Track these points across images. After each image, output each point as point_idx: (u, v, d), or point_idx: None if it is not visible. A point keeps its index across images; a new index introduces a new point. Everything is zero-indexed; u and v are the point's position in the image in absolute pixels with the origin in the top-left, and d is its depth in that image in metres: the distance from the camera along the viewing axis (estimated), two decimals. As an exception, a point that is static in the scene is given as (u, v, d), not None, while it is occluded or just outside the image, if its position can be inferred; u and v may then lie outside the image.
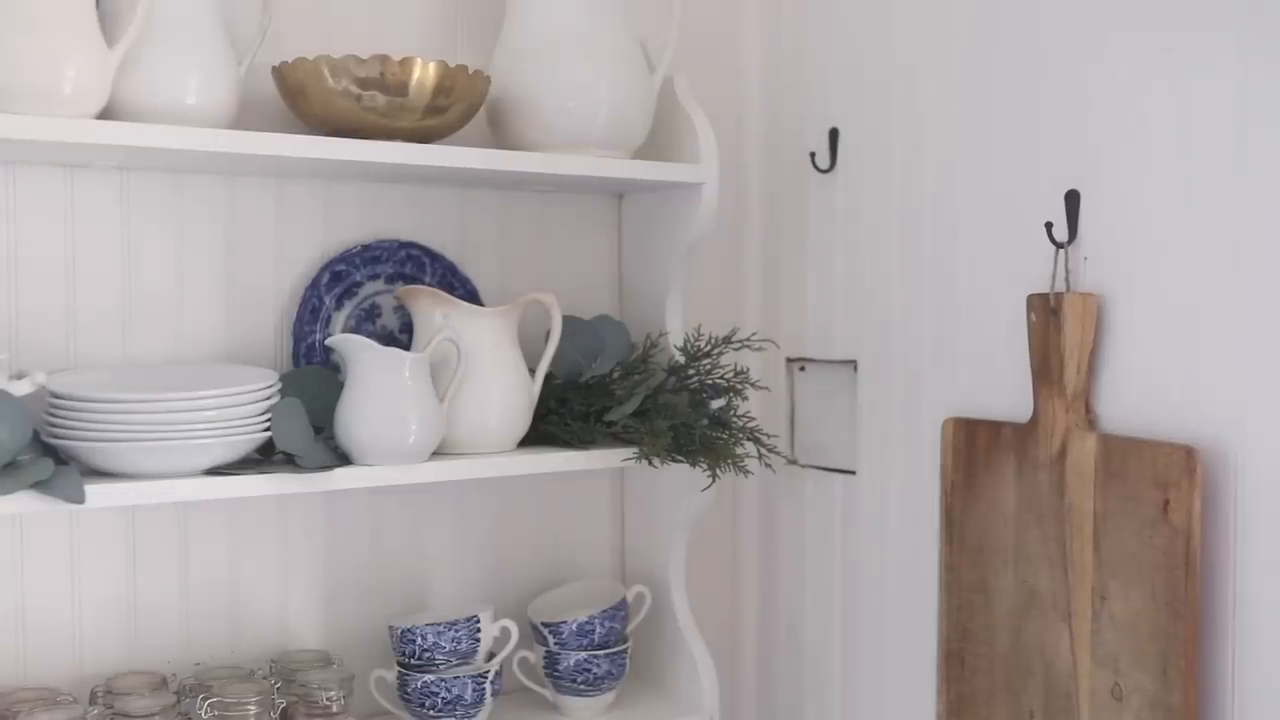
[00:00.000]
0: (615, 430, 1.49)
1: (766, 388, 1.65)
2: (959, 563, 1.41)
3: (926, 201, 1.50)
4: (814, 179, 1.66)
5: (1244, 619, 1.16)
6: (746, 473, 1.50)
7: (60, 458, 1.23)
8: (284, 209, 1.49)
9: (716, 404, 1.51)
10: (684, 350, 1.54)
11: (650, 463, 1.46)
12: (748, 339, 1.55)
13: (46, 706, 1.28)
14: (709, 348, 1.52)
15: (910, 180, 1.52)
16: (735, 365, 1.54)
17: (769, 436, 1.54)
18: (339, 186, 1.52)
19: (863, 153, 1.60)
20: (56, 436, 1.23)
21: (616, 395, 1.51)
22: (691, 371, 1.52)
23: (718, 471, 1.48)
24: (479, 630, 1.48)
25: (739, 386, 1.52)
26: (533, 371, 1.48)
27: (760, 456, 1.52)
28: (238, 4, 1.38)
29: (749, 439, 1.51)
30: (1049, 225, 1.31)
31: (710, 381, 1.51)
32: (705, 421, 1.48)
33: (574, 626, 1.53)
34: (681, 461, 1.48)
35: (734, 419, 1.51)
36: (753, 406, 1.61)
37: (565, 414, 1.49)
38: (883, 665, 1.57)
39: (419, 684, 1.44)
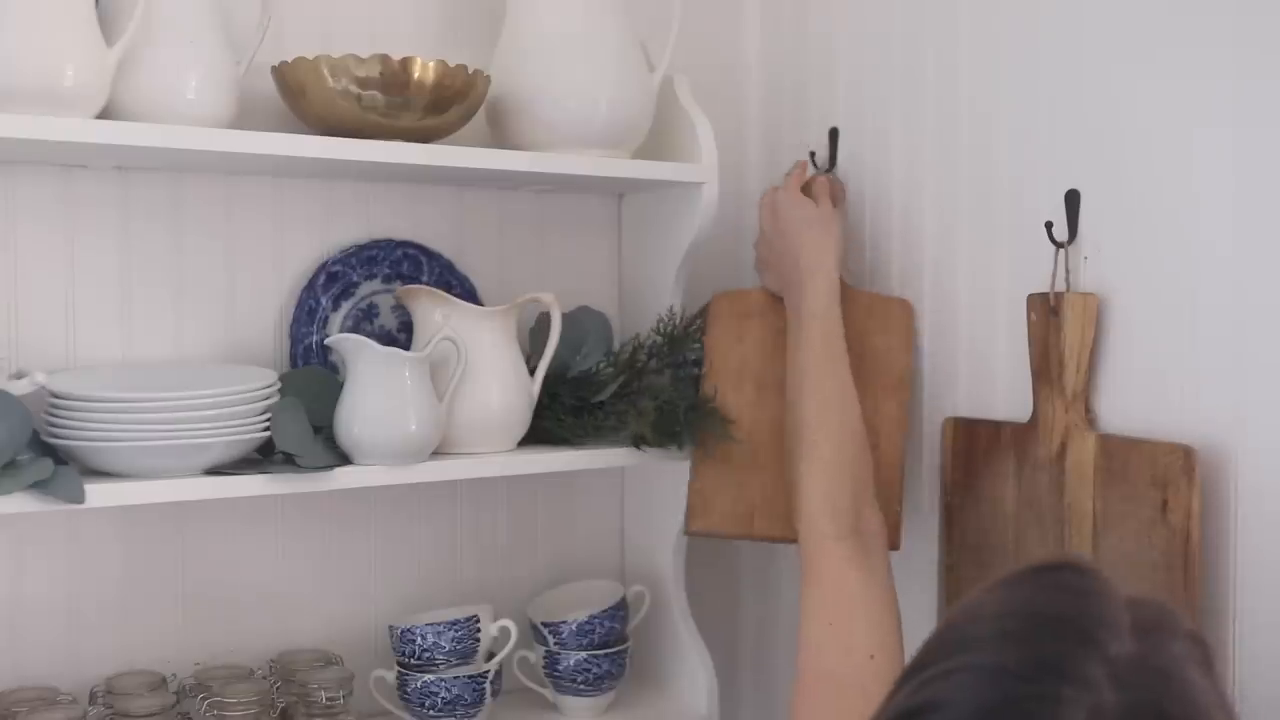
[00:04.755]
0: (608, 424, 1.49)
1: None
2: (959, 563, 1.41)
3: (926, 201, 1.50)
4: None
5: (1243, 619, 1.16)
6: (736, 439, 1.50)
7: (60, 457, 1.22)
8: (283, 209, 1.49)
9: (693, 362, 1.52)
10: (659, 331, 1.54)
11: (638, 445, 1.47)
12: None
13: (46, 706, 1.28)
14: (687, 326, 1.54)
15: (910, 180, 1.52)
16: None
17: None
18: (338, 186, 1.52)
19: (863, 153, 1.60)
20: (56, 436, 1.23)
21: (604, 386, 1.51)
22: (670, 353, 1.53)
23: (708, 446, 1.49)
24: (479, 630, 1.48)
25: None
26: (532, 371, 1.48)
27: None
28: (238, 4, 1.38)
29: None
30: (1049, 225, 1.31)
31: (687, 357, 1.52)
32: (691, 397, 1.49)
33: (574, 626, 1.53)
34: (669, 444, 1.48)
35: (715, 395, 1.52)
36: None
37: (557, 409, 1.50)
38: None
39: (419, 684, 1.44)
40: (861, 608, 1.25)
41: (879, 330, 1.49)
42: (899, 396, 1.47)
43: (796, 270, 1.46)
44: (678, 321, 1.55)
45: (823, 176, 1.56)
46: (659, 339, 1.55)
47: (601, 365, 1.53)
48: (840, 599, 1.26)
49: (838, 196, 1.55)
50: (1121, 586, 0.71)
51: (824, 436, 1.35)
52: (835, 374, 1.38)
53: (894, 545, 1.41)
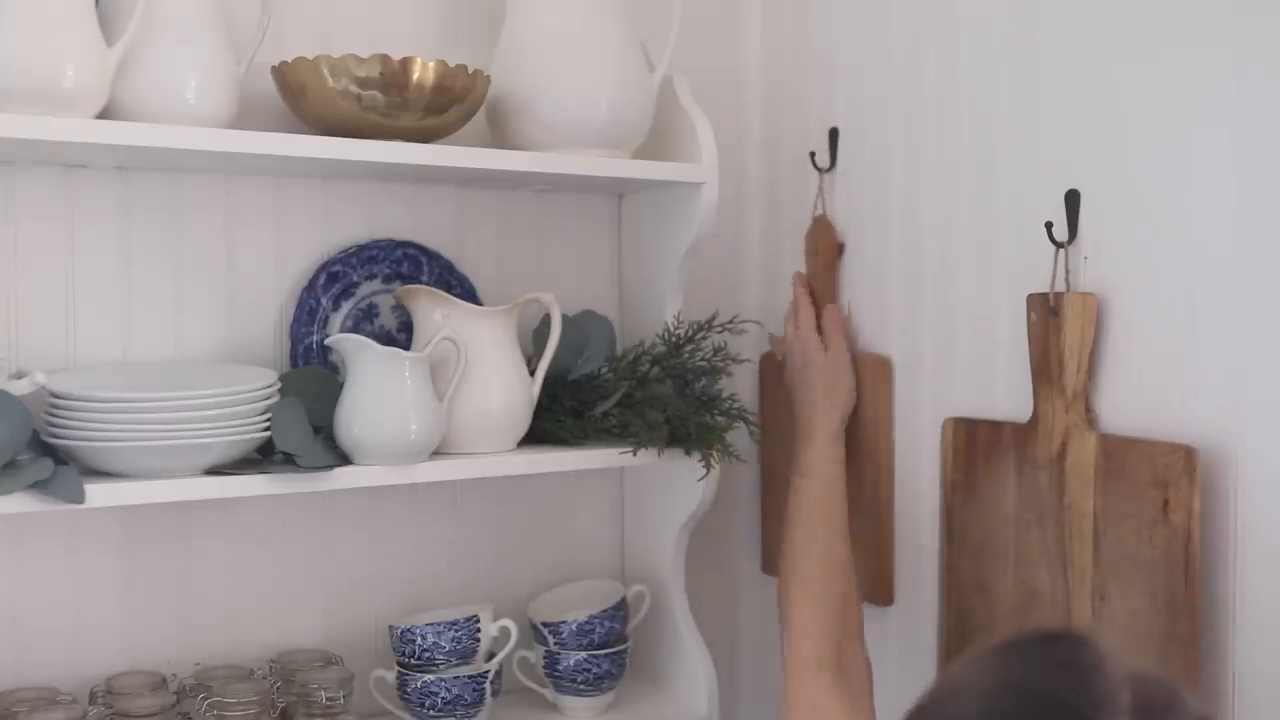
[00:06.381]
0: (610, 427, 1.49)
1: (749, 359, 1.65)
2: (959, 563, 1.41)
3: (926, 201, 1.50)
4: (814, 179, 1.66)
5: (1244, 619, 1.16)
6: (739, 459, 1.52)
7: (60, 457, 1.22)
8: (283, 209, 1.49)
9: (700, 385, 1.51)
10: (663, 339, 1.54)
11: (636, 454, 1.46)
12: (728, 322, 1.54)
13: (46, 706, 1.28)
14: (691, 333, 1.53)
15: (910, 180, 1.52)
16: (713, 343, 1.54)
17: (753, 415, 1.56)
18: (338, 186, 1.52)
19: (863, 153, 1.60)
20: (56, 436, 1.23)
21: (606, 390, 1.51)
22: (674, 360, 1.52)
23: (711, 460, 1.49)
24: (479, 630, 1.48)
25: (720, 365, 1.52)
26: (533, 372, 1.48)
27: (751, 434, 1.55)
28: (238, 4, 1.38)
29: (738, 419, 1.52)
30: (1049, 225, 1.31)
31: (692, 365, 1.52)
32: (697, 410, 1.49)
33: (574, 626, 1.53)
34: (678, 448, 1.48)
35: (720, 400, 1.52)
36: (754, 406, 1.61)
37: (557, 410, 1.50)
38: (882, 665, 1.57)
39: (419, 684, 1.44)
40: None
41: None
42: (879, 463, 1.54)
43: (801, 422, 1.52)
44: (684, 331, 1.54)
45: (841, 317, 1.58)
46: (663, 347, 1.54)
47: (603, 370, 1.53)
48: None
49: (845, 329, 1.58)
50: (1125, 661, 0.64)
51: (815, 572, 1.40)
52: (829, 521, 1.44)
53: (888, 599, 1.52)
